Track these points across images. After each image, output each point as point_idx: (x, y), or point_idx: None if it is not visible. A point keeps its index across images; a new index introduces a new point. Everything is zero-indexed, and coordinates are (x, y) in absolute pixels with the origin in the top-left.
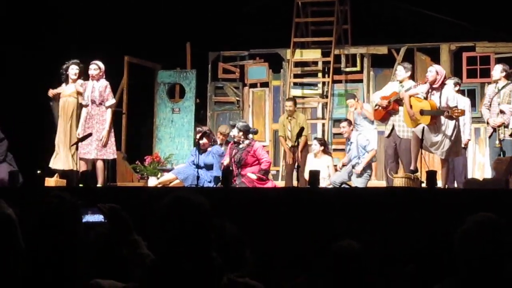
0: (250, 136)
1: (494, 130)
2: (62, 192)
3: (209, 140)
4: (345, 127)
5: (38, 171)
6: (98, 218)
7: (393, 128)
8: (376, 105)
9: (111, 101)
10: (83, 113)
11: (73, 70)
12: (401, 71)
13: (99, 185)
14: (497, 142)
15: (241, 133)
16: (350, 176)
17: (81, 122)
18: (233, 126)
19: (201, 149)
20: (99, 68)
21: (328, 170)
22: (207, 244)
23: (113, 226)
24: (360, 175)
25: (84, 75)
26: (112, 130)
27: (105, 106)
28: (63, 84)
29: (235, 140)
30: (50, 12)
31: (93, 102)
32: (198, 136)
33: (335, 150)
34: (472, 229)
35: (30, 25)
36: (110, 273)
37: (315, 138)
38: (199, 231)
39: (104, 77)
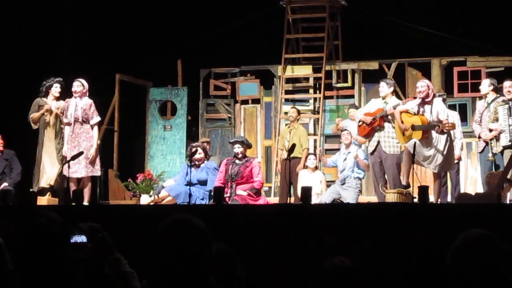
0: None
1: (486, 144)
2: (50, 212)
3: (205, 154)
4: (348, 135)
5: (31, 189)
6: (85, 238)
7: (377, 144)
8: (360, 121)
9: (96, 119)
10: (67, 132)
11: (56, 88)
12: (384, 87)
13: (85, 203)
14: (490, 155)
15: (244, 148)
16: (340, 188)
17: (65, 141)
18: (233, 144)
19: (195, 165)
20: (83, 85)
21: (320, 186)
22: (204, 267)
23: (94, 245)
24: (349, 188)
25: (64, 93)
26: (98, 146)
27: (90, 124)
28: (46, 99)
29: (239, 156)
30: (41, 30)
31: (76, 120)
32: (194, 150)
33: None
34: (465, 245)
35: (20, 42)
36: None
37: (311, 154)
38: (197, 254)
39: (87, 95)
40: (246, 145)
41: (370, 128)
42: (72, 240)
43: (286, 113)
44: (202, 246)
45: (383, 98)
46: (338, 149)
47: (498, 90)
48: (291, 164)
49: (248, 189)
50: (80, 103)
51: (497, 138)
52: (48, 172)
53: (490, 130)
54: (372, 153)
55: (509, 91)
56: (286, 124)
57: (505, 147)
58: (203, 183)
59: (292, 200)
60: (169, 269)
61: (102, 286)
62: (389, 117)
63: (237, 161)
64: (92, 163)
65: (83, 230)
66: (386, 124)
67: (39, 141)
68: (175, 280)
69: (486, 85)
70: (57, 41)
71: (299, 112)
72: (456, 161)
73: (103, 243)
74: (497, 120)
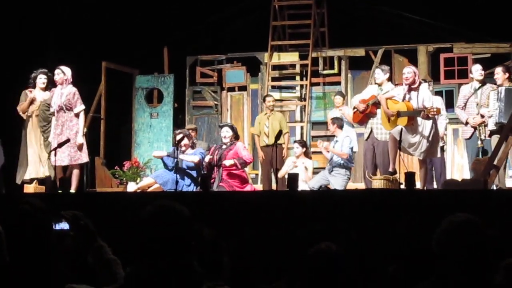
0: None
1: (475, 129)
2: (32, 199)
3: (190, 140)
4: (332, 125)
5: (16, 182)
6: (68, 226)
7: (371, 131)
8: (354, 108)
9: (80, 107)
10: (53, 121)
11: (41, 79)
12: (379, 74)
13: (72, 190)
14: (479, 142)
15: (233, 133)
16: (329, 175)
17: (52, 130)
18: (229, 126)
19: (182, 151)
20: (63, 72)
21: (307, 173)
22: (188, 254)
23: (76, 233)
24: (338, 175)
25: (51, 84)
26: (84, 134)
27: (74, 112)
28: (34, 90)
29: (227, 140)
30: (27, 18)
31: (60, 108)
32: (179, 137)
33: (314, 153)
34: (449, 230)
35: (5, 32)
36: (88, 278)
37: (296, 141)
38: (181, 240)
39: (71, 82)
40: (235, 132)
41: (363, 115)
42: (55, 228)
43: (264, 100)
44: (186, 233)
45: (379, 85)
46: (325, 136)
47: (485, 77)
48: (277, 151)
49: (235, 159)
50: (65, 91)
51: (485, 124)
52: (33, 164)
53: (482, 116)
54: (366, 139)
55: (497, 78)
56: (263, 111)
57: (491, 132)
58: (191, 168)
59: (276, 187)
60: (153, 256)
61: (85, 273)
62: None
63: (223, 147)
64: (79, 149)
65: (66, 217)
66: (378, 111)
67: (23, 132)
68: (159, 267)
69: (479, 71)
70: (43, 29)
71: (274, 99)
72: (441, 144)
73: (85, 231)
74: (487, 106)
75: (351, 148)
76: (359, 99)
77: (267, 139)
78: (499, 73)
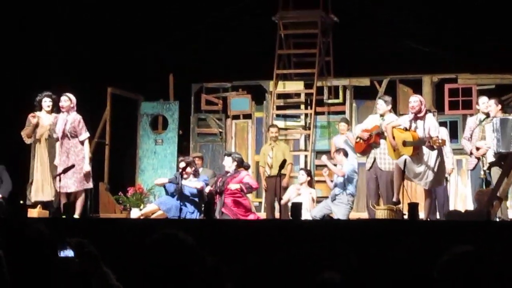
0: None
1: (478, 160)
2: (38, 224)
3: (192, 168)
4: (339, 155)
5: (21, 201)
6: (73, 253)
7: (374, 161)
8: (357, 138)
9: (85, 135)
10: (57, 146)
11: (46, 102)
12: (382, 104)
13: (76, 216)
14: (482, 172)
15: (234, 163)
16: (332, 204)
17: (57, 156)
18: (228, 155)
19: (185, 179)
20: (70, 99)
21: (311, 202)
22: (191, 281)
23: (81, 260)
24: (341, 204)
25: (56, 107)
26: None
27: (79, 140)
28: (39, 113)
29: (226, 168)
30: (32, 43)
31: (65, 135)
32: (182, 165)
33: (317, 182)
34: (451, 261)
35: (10, 55)
36: None
37: (302, 169)
38: (184, 269)
39: (75, 109)
40: (237, 161)
41: (367, 145)
42: (60, 255)
43: (268, 129)
44: (189, 261)
45: (381, 116)
46: None
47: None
48: (281, 180)
49: (241, 183)
50: (70, 118)
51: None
52: (40, 187)
53: (477, 148)
54: (369, 169)
55: (490, 110)
56: (268, 142)
57: (491, 164)
58: (194, 195)
59: (279, 216)
60: (156, 283)
61: None
62: (385, 134)
63: (228, 174)
64: (86, 176)
65: (71, 244)
66: (382, 141)
67: (31, 155)
68: None
69: (486, 103)
70: (49, 53)
71: (279, 129)
72: (446, 175)
73: (90, 258)
74: (483, 139)
75: (353, 171)
76: (360, 129)
77: (270, 170)
78: (492, 105)
